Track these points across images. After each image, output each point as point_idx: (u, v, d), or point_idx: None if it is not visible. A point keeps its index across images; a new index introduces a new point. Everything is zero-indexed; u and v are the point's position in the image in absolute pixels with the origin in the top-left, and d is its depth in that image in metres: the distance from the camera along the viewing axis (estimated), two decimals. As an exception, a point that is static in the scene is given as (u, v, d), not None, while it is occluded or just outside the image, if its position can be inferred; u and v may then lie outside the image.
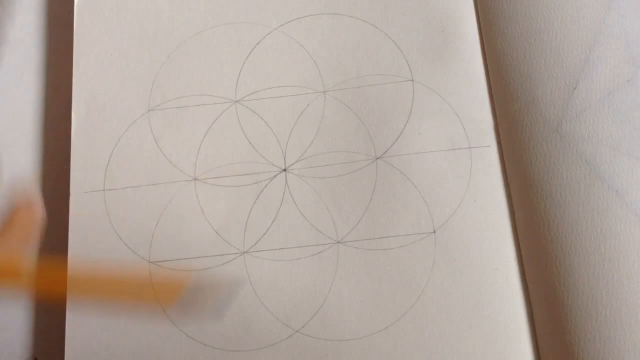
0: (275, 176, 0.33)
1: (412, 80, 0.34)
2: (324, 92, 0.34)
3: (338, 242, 0.32)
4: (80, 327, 0.31)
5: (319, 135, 0.33)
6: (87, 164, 0.33)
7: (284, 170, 0.33)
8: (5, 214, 0.26)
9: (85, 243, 0.32)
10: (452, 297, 0.31)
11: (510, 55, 0.33)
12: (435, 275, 0.31)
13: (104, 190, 0.33)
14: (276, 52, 0.35)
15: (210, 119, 0.33)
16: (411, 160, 0.33)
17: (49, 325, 0.32)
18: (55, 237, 0.33)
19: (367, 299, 0.31)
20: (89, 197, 0.33)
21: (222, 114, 0.34)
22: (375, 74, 0.34)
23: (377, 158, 0.33)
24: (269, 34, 0.35)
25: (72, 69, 0.35)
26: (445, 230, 0.32)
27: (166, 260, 0.32)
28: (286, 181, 0.33)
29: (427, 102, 0.33)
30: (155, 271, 0.30)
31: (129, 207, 0.33)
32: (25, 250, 0.26)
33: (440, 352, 0.30)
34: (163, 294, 0.25)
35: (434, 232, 0.32)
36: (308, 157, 0.33)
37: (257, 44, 0.35)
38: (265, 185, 0.33)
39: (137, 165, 0.33)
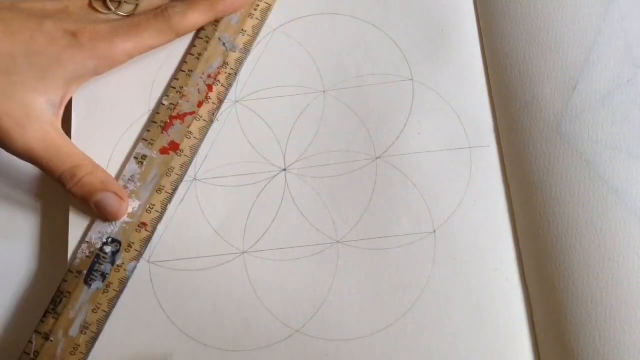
0: (275, 176, 0.33)
1: (412, 79, 0.34)
2: (324, 92, 0.34)
3: (338, 241, 0.32)
4: (80, 327, 0.31)
5: (319, 135, 0.33)
6: (87, 164, 0.33)
7: (284, 170, 0.33)
8: None
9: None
10: (452, 297, 0.31)
11: (510, 55, 0.33)
12: (435, 275, 0.31)
13: (104, 190, 0.33)
14: (276, 52, 0.35)
15: (210, 119, 0.33)
16: (411, 160, 0.33)
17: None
18: (55, 237, 0.33)
19: (367, 298, 0.31)
20: (89, 197, 0.33)
21: (222, 114, 0.34)
22: (375, 73, 0.34)
23: (377, 158, 0.33)
24: (268, 34, 0.35)
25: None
26: (445, 230, 0.32)
27: (166, 260, 0.32)
28: (286, 181, 0.33)
29: (427, 101, 0.33)
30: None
31: (129, 207, 0.33)
32: None
33: (440, 352, 0.30)
34: None
35: (434, 232, 0.32)
36: (308, 157, 0.33)
37: (257, 44, 0.35)
38: (265, 185, 0.33)
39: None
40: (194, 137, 0.32)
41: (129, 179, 0.32)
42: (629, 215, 0.29)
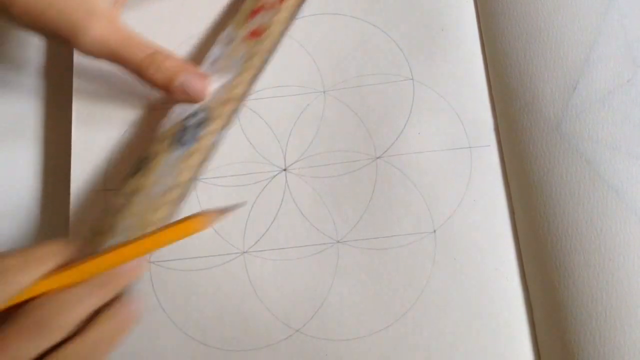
0: (275, 176, 0.33)
1: (412, 79, 0.34)
2: (324, 92, 0.34)
3: (338, 241, 0.32)
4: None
5: (319, 135, 0.33)
6: (87, 163, 0.33)
7: (284, 170, 0.33)
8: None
9: (86, 243, 0.32)
10: (452, 297, 0.31)
11: (510, 55, 0.33)
12: (436, 275, 0.31)
13: (104, 190, 0.33)
14: (276, 51, 0.35)
15: (210, 118, 0.33)
16: (411, 160, 0.33)
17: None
18: (55, 237, 0.33)
19: (367, 298, 0.31)
20: (89, 197, 0.33)
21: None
22: (375, 73, 0.34)
23: (377, 158, 0.33)
24: (269, 33, 0.35)
25: (72, 69, 0.35)
26: (446, 230, 0.32)
27: (166, 260, 0.32)
28: (286, 181, 0.33)
29: (427, 101, 0.33)
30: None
31: (129, 206, 0.33)
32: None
33: (440, 352, 0.30)
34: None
35: (434, 231, 0.32)
36: (308, 156, 0.33)
37: None
38: (265, 185, 0.33)
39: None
40: (278, 25, 0.33)
41: (214, 60, 0.33)
42: (629, 215, 0.29)
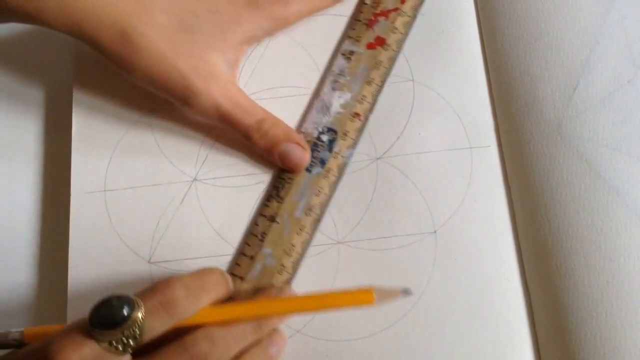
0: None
1: (413, 80, 0.34)
2: (324, 92, 0.34)
3: (339, 242, 0.32)
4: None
5: (320, 135, 0.33)
6: (87, 164, 0.33)
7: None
8: None
9: (86, 244, 0.32)
10: (453, 297, 0.31)
11: (511, 56, 0.33)
12: (436, 275, 0.31)
13: (104, 190, 0.33)
14: (277, 52, 0.35)
15: (210, 119, 0.33)
16: (412, 161, 0.33)
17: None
18: (55, 238, 0.33)
19: (367, 299, 0.31)
20: (90, 197, 0.33)
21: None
22: (376, 74, 0.34)
23: (378, 158, 0.33)
24: (269, 34, 0.35)
25: (73, 69, 0.35)
26: (446, 230, 0.32)
27: (166, 261, 0.32)
28: (287, 181, 0.33)
29: (428, 102, 0.33)
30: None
31: (130, 207, 0.32)
32: None
33: (440, 352, 0.30)
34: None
35: (435, 232, 0.32)
36: (308, 157, 0.33)
37: (258, 44, 0.35)
38: (266, 186, 0.33)
39: (138, 166, 0.33)
40: (399, 32, 0.33)
41: (339, 74, 0.33)
42: (629, 216, 0.29)
